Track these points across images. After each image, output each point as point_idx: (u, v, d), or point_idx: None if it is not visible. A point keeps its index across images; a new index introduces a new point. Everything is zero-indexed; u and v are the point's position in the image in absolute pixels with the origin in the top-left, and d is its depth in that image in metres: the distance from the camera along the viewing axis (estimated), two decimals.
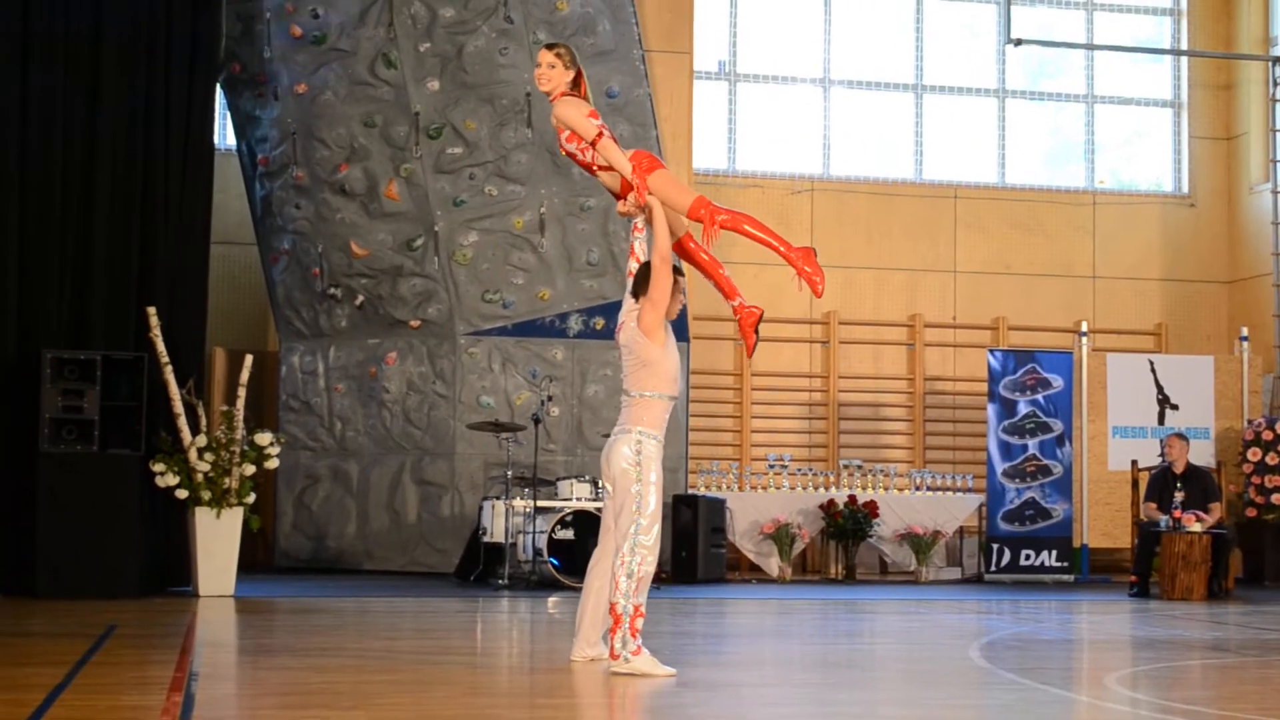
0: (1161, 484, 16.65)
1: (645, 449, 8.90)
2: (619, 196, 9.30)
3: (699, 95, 19.61)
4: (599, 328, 17.54)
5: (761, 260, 19.81)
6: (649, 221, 9.14)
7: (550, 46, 9.39)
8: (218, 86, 16.58)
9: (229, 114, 18.31)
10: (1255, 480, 19.01)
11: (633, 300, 9.14)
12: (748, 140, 20.78)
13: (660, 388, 8.99)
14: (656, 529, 8.90)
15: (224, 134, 18.76)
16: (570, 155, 9.42)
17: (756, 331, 9.61)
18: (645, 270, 9.11)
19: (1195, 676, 9.63)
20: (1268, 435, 18.95)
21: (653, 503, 8.88)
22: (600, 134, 9.16)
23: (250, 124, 17.98)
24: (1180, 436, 16.90)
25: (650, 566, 8.86)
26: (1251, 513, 19.05)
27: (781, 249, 9.28)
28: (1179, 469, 16.59)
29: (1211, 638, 11.95)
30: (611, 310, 17.41)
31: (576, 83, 9.34)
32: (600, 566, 9.10)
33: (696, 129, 19.23)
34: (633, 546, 8.82)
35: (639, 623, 8.78)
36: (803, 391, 20.42)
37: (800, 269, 9.28)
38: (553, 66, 9.27)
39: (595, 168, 9.31)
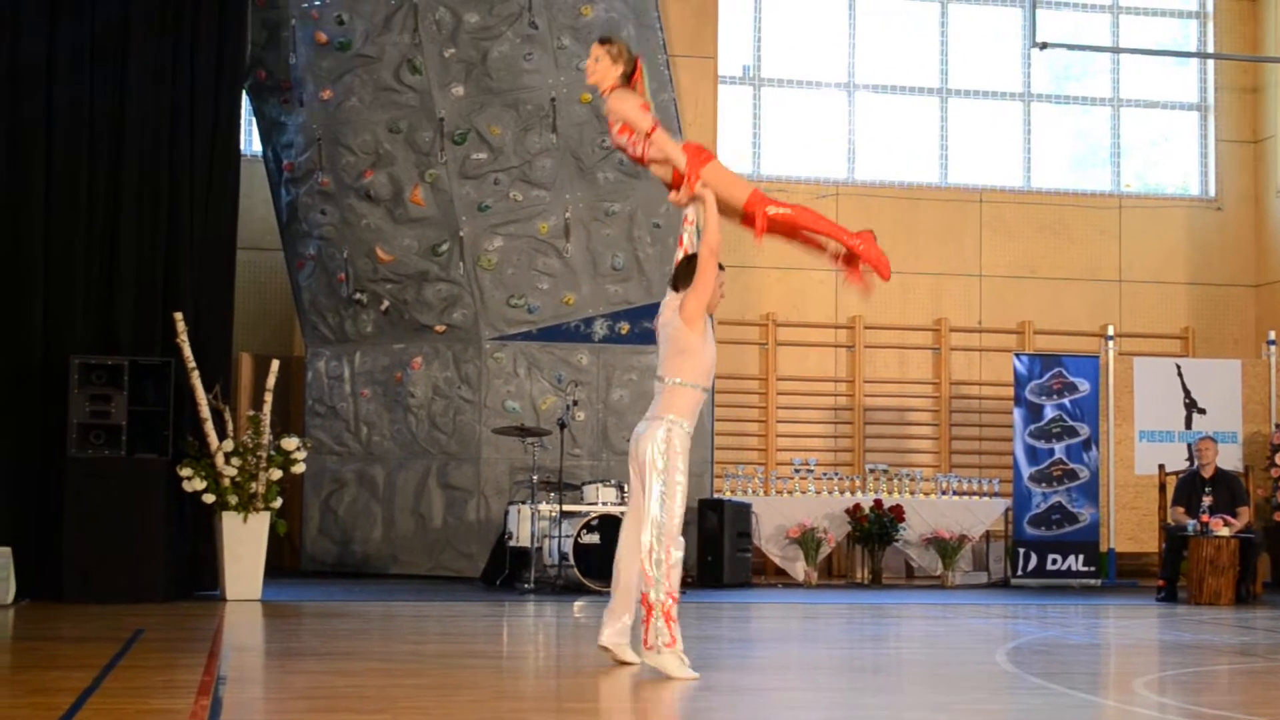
0: (1190, 488, 16.60)
1: (675, 437, 8.93)
2: (671, 187, 9.34)
3: (724, 100, 19.64)
4: (624, 332, 17.55)
5: (786, 265, 19.91)
6: (702, 212, 9.19)
7: (603, 41, 9.38)
8: (244, 93, 16.63)
9: (255, 120, 18.39)
10: None
11: (673, 292, 9.16)
12: (772, 145, 20.77)
13: (694, 377, 9.03)
14: (681, 516, 8.96)
15: (250, 140, 18.83)
16: (621, 148, 9.45)
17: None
18: (688, 262, 9.16)
19: (1223, 681, 9.60)
20: None
21: (679, 491, 8.89)
22: (654, 126, 9.16)
23: (276, 130, 18.03)
24: (1211, 440, 16.86)
25: (679, 553, 8.92)
26: (1279, 517, 18.98)
27: (845, 239, 9.34)
28: (1208, 473, 16.55)
29: (1239, 642, 11.91)
30: (636, 315, 17.47)
31: (630, 77, 9.30)
32: (627, 557, 9.13)
33: (721, 134, 19.26)
34: (659, 535, 8.84)
35: (675, 610, 8.85)
36: (828, 396, 20.41)
37: (866, 256, 9.36)
38: (598, 60, 9.27)
39: (646, 160, 9.32)
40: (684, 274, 9.15)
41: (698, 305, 9.02)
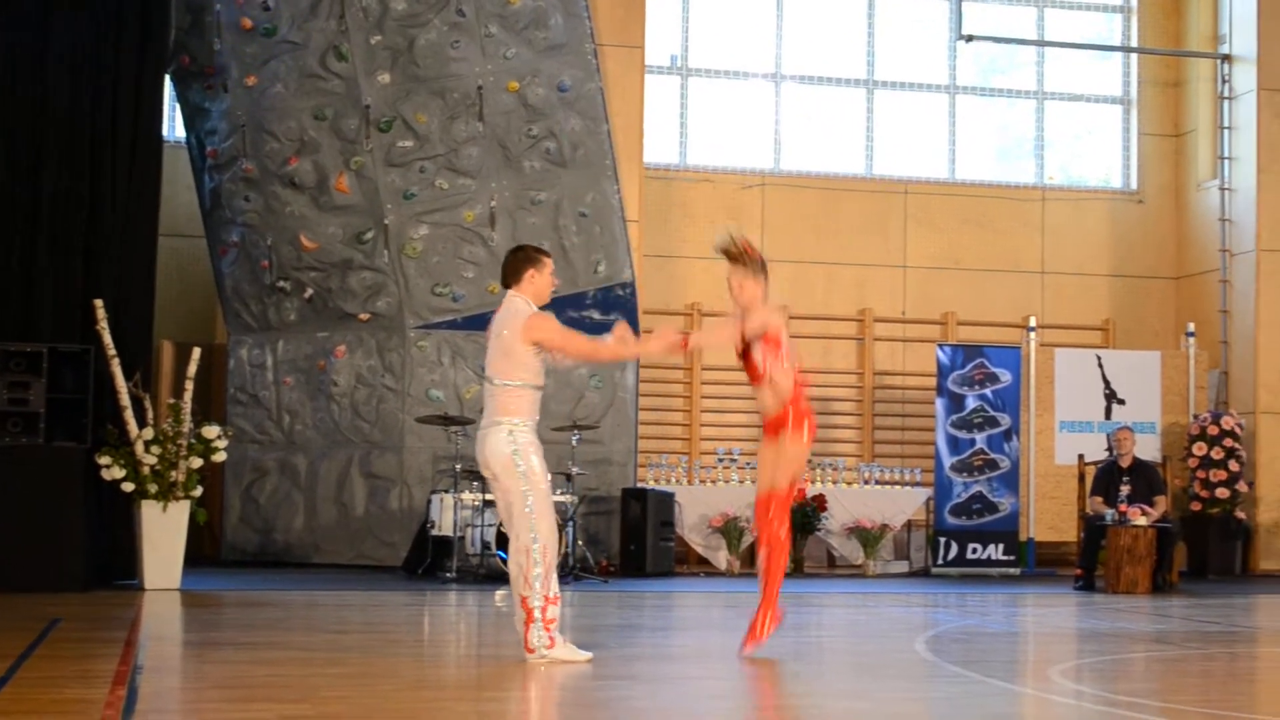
0: (1107, 478, 16.75)
1: (519, 437, 8.93)
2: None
3: (651, 90, 19.61)
4: None
5: (710, 255, 19.94)
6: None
7: (732, 258, 9.68)
8: (167, 79, 16.50)
9: (178, 106, 18.24)
10: (1200, 475, 19.16)
11: (509, 291, 9.22)
12: (699, 135, 20.80)
13: (527, 377, 9.02)
14: (551, 515, 8.92)
15: (173, 126, 18.69)
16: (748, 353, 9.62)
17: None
18: (513, 254, 9.34)
19: (1139, 669, 9.69)
20: (1213, 430, 19.11)
21: (544, 491, 8.92)
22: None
23: (199, 116, 17.90)
24: (1129, 430, 17.02)
25: (554, 554, 8.91)
26: (1196, 507, 19.21)
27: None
28: (1126, 462, 16.70)
29: (1155, 630, 12.03)
30: (562, 304, 17.37)
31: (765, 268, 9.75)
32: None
33: (648, 124, 19.23)
34: (534, 538, 8.84)
35: (551, 611, 8.84)
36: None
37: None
38: (742, 285, 9.60)
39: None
40: (510, 271, 9.15)
41: (545, 344, 9.06)
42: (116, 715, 6.80)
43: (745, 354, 9.55)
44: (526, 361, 8.98)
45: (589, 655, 8.87)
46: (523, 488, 8.86)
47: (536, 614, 8.78)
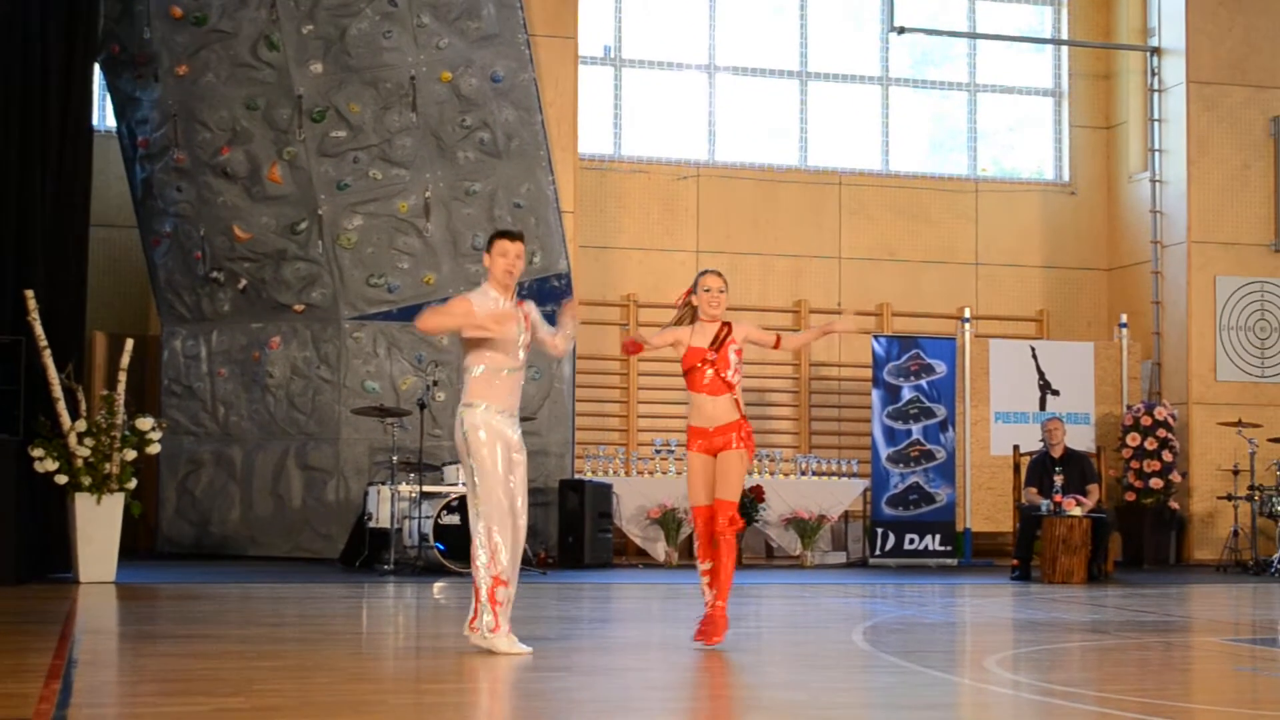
0: (1041, 469, 16.85)
1: (469, 418, 9.00)
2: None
3: (584, 81, 19.59)
4: None
5: (646, 246, 20.00)
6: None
7: (718, 273, 9.91)
8: (96, 67, 16.34)
9: (108, 95, 18.08)
10: (1134, 465, 19.32)
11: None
12: (633, 126, 20.79)
13: (487, 362, 9.08)
14: (499, 495, 8.92)
15: (103, 115, 18.53)
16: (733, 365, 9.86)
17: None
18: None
19: (1074, 658, 9.75)
20: (1146, 421, 19.25)
21: (490, 470, 8.92)
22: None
23: (130, 105, 17.75)
24: (1059, 420, 17.12)
25: (502, 535, 8.89)
26: (1130, 497, 19.36)
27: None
28: (1057, 452, 16.80)
29: (1090, 620, 12.11)
30: None
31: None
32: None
33: (582, 114, 19.20)
34: (478, 517, 8.92)
35: (501, 594, 8.85)
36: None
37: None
38: (723, 291, 9.82)
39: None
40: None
41: (449, 327, 9.23)
42: (51, 710, 6.73)
43: (707, 363, 9.63)
44: (468, 345, 9.02)
45: (529, 650, 8.84)
46: (473, 466, 8.92)
47: (483, 594, 8.80)
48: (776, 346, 10.12)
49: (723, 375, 9.72)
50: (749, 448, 9.70)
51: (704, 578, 9.60)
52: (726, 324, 9.77)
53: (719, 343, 9.72)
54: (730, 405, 9.69)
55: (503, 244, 9.19)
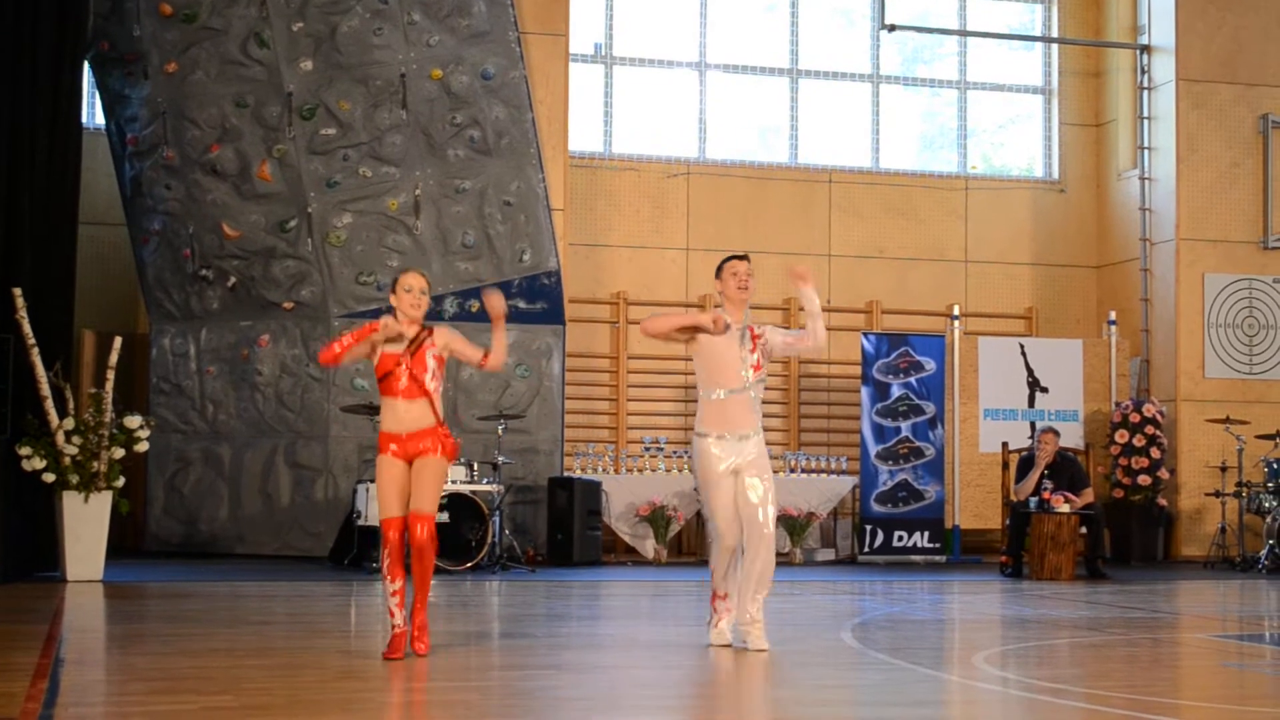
0: (1029, 468, 16.80)
1: (694, 447, 9.83)
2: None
3: (575, 78, 19.58)
4: (474, 310, 17.42)
5: (637, 244, 20.00)
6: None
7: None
8: (86, 64, 16.32)
9: (98, 93, 18.05)
10: (1122, 462, 19.34)
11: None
12: (624, 123, 20.78)
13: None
14: (712, 521, 9.77)
15: (93, 113, 18.50)
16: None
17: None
18: None
19: (1063, 655, 9.76)
20: (1135, 418, 19.27)
21: (704, 498, 9.81)
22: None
23: (119, 103, 17.72)
24: (1053, 433, 16.87)
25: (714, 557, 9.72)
26: (1118, 494, 19.38)
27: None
28: (1045, 462, 16.61)
29: (1079, 617, 12.12)
30: None
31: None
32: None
33: (573, 112, 19.20)
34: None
35: (718, 604, 9.64)
36: (679, 374, 20.45)
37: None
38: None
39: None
40: None
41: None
42: (38, 708, 6.72)
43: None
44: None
45: (740, 646, 9.36)
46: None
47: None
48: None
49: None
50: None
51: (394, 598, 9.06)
52: (429, 329, 9.32)
53: (418, 345, 9.31)
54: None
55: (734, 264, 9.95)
